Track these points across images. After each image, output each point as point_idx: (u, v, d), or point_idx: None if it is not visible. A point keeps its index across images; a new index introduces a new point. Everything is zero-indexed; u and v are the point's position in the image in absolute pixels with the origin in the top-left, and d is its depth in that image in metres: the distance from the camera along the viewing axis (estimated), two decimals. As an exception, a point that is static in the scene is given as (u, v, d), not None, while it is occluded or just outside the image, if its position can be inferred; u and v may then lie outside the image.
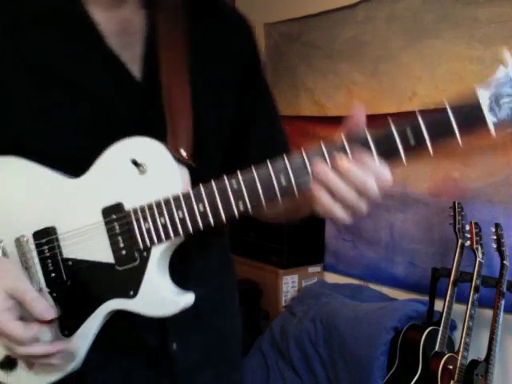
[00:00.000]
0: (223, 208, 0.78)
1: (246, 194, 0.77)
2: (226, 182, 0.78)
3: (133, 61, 0.88)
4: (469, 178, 2.20)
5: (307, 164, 0.74)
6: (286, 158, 0.75)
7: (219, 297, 1.04)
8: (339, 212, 0.74)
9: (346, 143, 0.73)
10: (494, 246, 2.05)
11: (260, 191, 0.76)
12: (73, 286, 0.84)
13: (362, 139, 0.72)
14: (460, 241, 2.11)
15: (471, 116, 0.68)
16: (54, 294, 0.85)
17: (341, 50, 2.72)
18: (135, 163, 0.81)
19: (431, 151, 0.70)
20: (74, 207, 0.85)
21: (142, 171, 0.82)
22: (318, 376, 2.32)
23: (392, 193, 2.47)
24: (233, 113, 0.98)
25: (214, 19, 0.97)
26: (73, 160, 0.85)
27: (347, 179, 0.72)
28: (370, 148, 0.72)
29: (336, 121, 2.78)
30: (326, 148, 0.73)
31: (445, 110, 0.69)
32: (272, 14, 3.03)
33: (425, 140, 0.70)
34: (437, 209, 2.36)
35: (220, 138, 0.97)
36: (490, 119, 0.67)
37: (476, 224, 2.13)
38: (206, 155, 0.91)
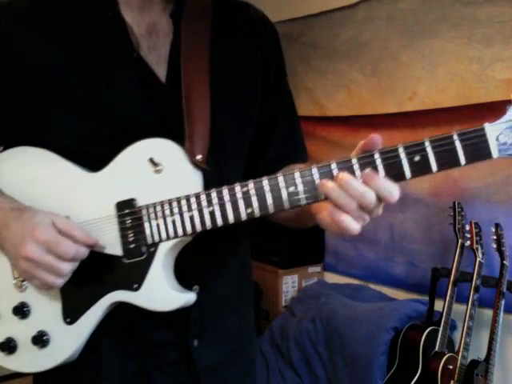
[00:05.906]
0: (232, 212, 0.82)
1: (255, 202, 0.81)
2: (238, 188, 0.81)
3: (159, 62, 0.91)
4: (469, 177, 2.20)
5: (315, 178, 0.78)
6: (297, 172, 0.79)
7: (240, 297, 1.06)
8: (344, 220, 0.76)
9: (354, 161, 0.76)
10: (494, 245, 2.05)
11: (269, 200, 0.80)
12: (79, 275, 0.85)
13: (370, 160, 0.76)
14: (460, 241, 2.11)
15: (477, 148, 0.75)
16: None
17: (341, 50, 2.72)
18: (152, 162, 0.84)
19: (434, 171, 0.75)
20: (88, 199, 0.88)
21: (158, 170, 0.85)
22: (318, 376, 2.32)
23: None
24: (256, 114, 1.00)
25: (238, 20, 1.00)
26: (91, 157, 0.88)
27: (347, 192, 0.75)
28: (376, 168, 0.76)
29: (336, 121, 2.78)
30: (335, 165, 0.78)
31: (452, 139, 0.73)
32: (272, 14, 2.98)
33: (431, 167, 0.74)
34: (437, 209, 2.36)
35: (239, 142, 0.99)
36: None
37: (476, 224, 2.13)
38: (221, 160, 0.94)
